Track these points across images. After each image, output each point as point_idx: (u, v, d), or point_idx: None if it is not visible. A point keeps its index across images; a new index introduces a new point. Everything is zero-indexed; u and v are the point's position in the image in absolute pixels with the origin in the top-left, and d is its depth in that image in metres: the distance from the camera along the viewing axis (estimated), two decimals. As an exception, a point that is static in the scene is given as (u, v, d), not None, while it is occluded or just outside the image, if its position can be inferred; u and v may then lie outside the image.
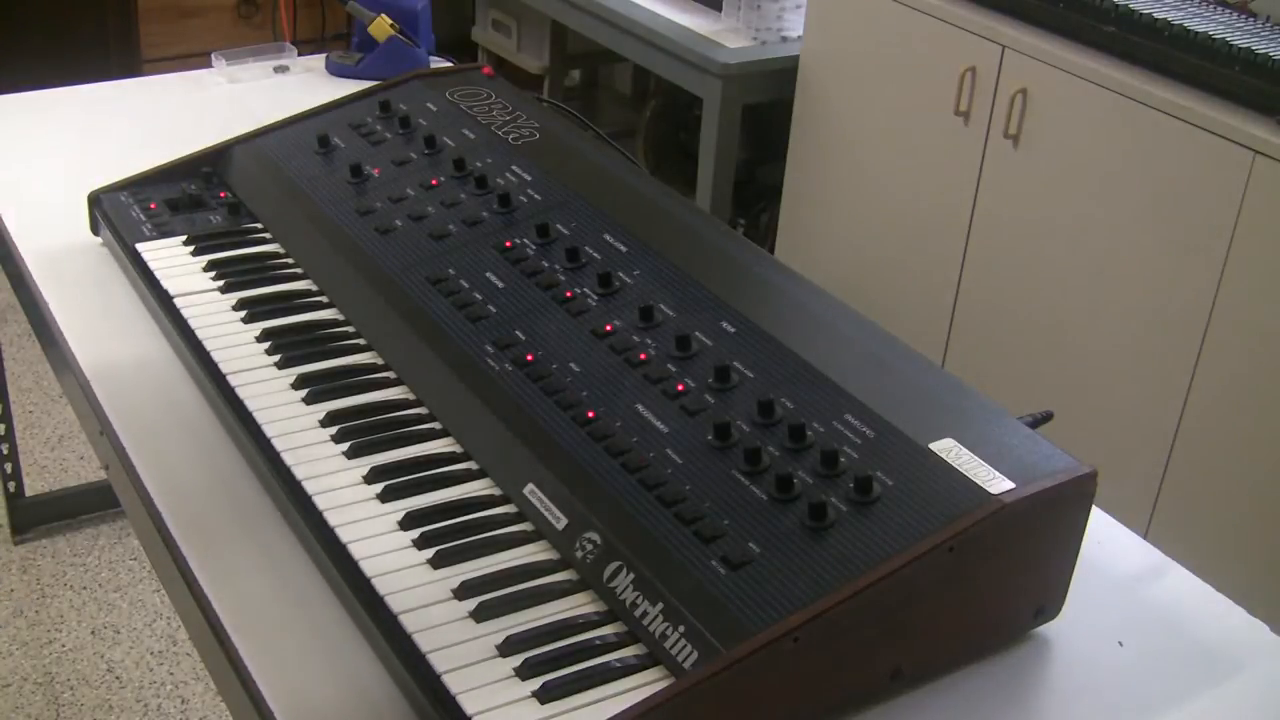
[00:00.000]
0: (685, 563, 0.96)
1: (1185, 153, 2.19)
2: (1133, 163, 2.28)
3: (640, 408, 1.10)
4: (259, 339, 1.28)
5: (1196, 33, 2.21)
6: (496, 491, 1.09)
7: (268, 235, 1.45)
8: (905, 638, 0.96)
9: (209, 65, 2.10)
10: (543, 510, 1.04)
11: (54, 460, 2.85)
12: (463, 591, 0.98)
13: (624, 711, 0.86)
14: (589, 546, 1.00)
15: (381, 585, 0.99)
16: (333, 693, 0.96)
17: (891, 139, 2.77)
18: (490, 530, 1.05)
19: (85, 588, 2.51)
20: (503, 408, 1.13)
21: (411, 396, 1.20)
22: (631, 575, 0.97)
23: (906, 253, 2.80)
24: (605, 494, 1.03)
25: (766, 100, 3.07)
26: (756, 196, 3.35)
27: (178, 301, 1.34)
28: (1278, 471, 2.13)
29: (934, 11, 2.60)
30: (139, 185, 1.53)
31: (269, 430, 1.15)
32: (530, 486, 1.06)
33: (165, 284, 1.36)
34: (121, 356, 1.33)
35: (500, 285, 1.26)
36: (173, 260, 1.40)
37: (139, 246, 1.42)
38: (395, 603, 0.97)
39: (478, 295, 1.25)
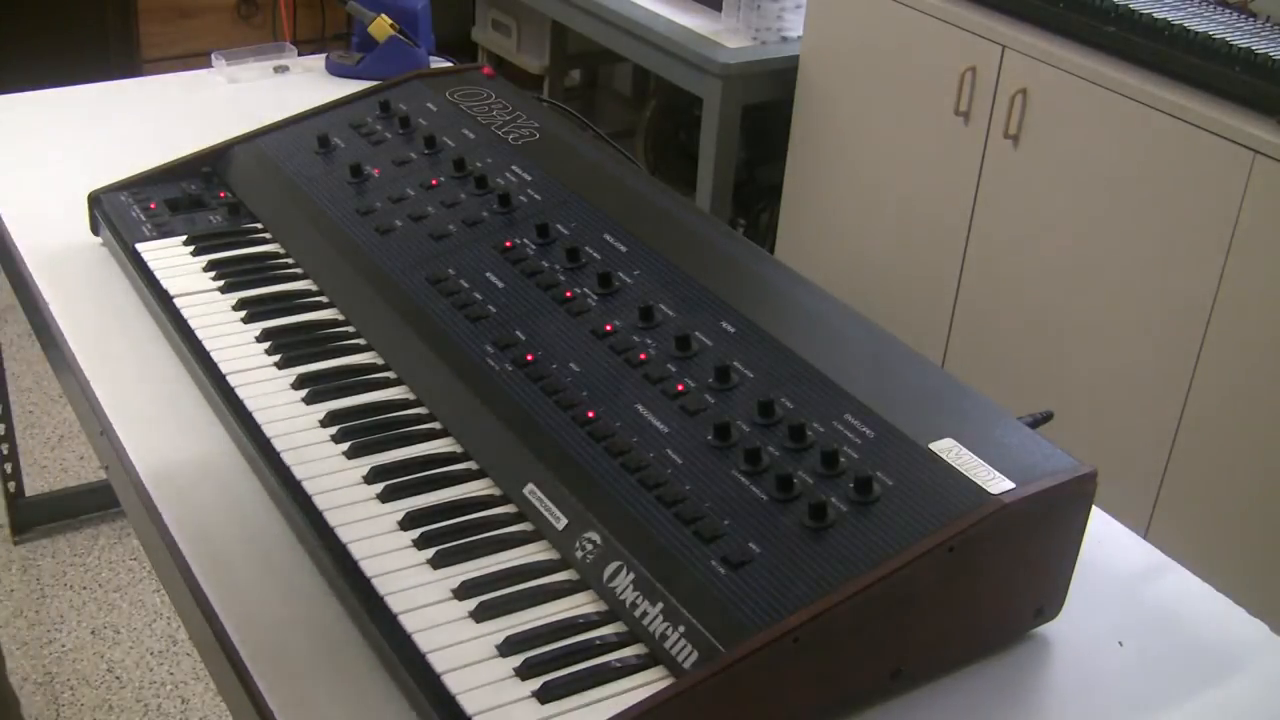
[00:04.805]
0: (685, 563, 0.96)
1: (1185, 153, 2.19)
2: (1133, 163, 2.28)
3: (640, 408, 1.10)
4: (259, 339, 1.28)
5: (1196, 33, 2.21)
6: (496, 491, 1.09)
7: (268, 235, 1.45)
8: (905, 638, 0.96)
9: (209, 65, 2.10)
10: (543, 510, 1.04)
11: (54, 460, 2.85)
12: (463, 591, 0.98)
13: (624, 711, 0.86)
14: (589, 546, 1.00)
15: (381, 585, 0.99)
16: (333, 693, 0.96)
17: (891, 139, 2.77)
18: (490, 530, 1.05)
19: (85, 588, 2.51)
20: (503, 408, 1.13)
21: (411, 396, 1.20)
22: (631, 575, 0.97)
23: (906, 252, 2.80)
24: (605, 494, 1.03)
25: (766, 100, 3.06)
26: (756, 196, 3.35)
27: (178, 301, 1.34)
28: (1278, 471, 2.13)
29: (934, 11, 2.60)
30: (139, 185, 1.53)
31: (269, 430, 1.15)
32: (530, 486, 1.06)
33: (165, 284, 1.36)
34: (121, 357, 1.33)
35: (500, 285, 1.26)
36: (173, 260, 1.40)
37: (139, 246, 1.42)
38: (395, 603, 0.97)
39: (478, 295, 1.25)
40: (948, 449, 1.01)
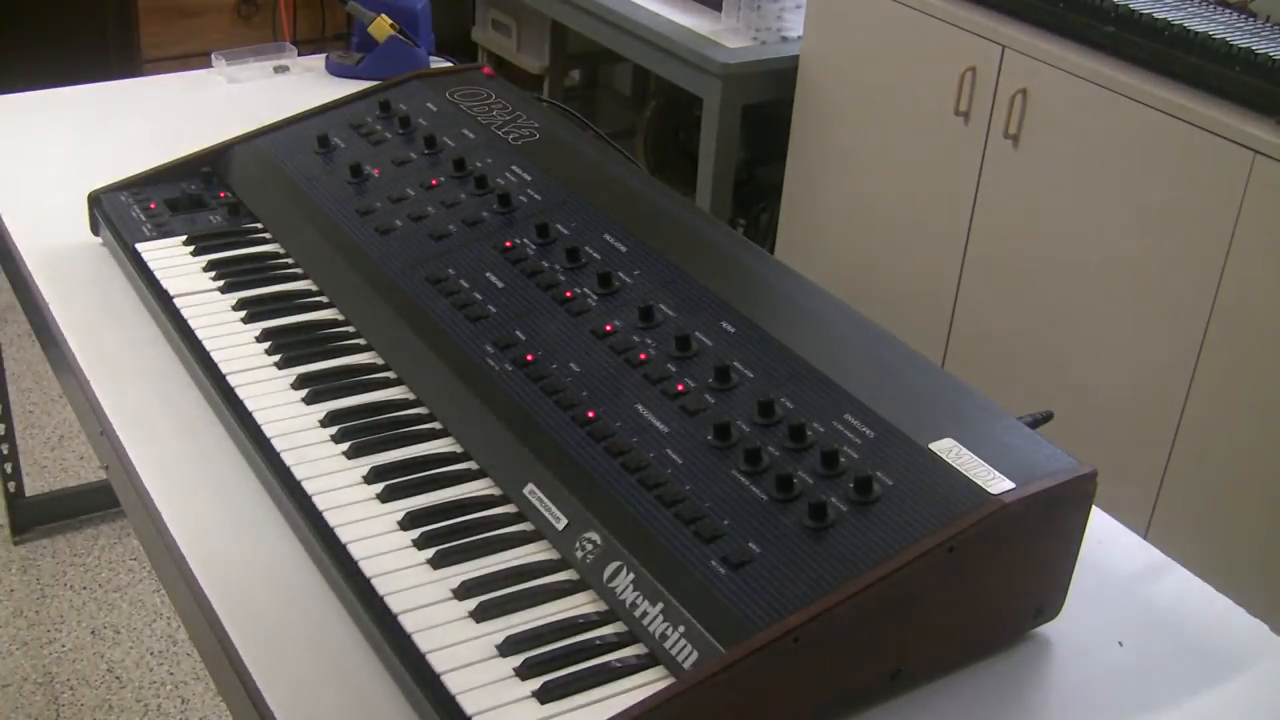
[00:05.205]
0: (685, 563, 0.96)
1: (1185, 153, 2.19)
2: (1133, 163, 2.28)
3: (640, 408, 1.09)
4: (259, 339, 1.28)
5: (1196, 33, 2.21)
6: (496, 491, 1.09)
7: (268, 235, 1.45)
8: (905, 638, 0.96)
9: (209, 65, 2.10)
10: (543, 510, 1.04)
11: (54, 460, 2.85)
12: (463, 591, 0.98)
13: (624, 711, 0.86)
14: (589, 546, 1.00)
15: (381, 585, 0.99)
16: (333, 693, 0.96)
17: (891, 139, 2.77)
18: (490, 530, 1.05)
19: (85, 588, 2.51)
20: (503, 408, 1.13)
21: (411, 396, 1.20)
22: (631, 575, 0.97)
23: (906, 253, 2.80)
24: (605, 494, 1.03)
25: (766, 100, 3.06)
26: (756, 196, 3.35)
27: (178, 301, 1.34)
28: (1278, 471, 2.13)
29: (934, 11, 2.60)
30: (139, 185, 1.53)
31: (269, 430, 1.15)
32: (530, 486, 1.06)
33: (165, 284, 1.36)
34: (121, 356, 1.33)
35: (500, 285, 1.26)
36: (173, 260, 1.40)
37: (139, 246, 1.42)
38: (395, 603, 0.97)
39: (478, 295, 1.25)
40: (948, 449, 1.01)
